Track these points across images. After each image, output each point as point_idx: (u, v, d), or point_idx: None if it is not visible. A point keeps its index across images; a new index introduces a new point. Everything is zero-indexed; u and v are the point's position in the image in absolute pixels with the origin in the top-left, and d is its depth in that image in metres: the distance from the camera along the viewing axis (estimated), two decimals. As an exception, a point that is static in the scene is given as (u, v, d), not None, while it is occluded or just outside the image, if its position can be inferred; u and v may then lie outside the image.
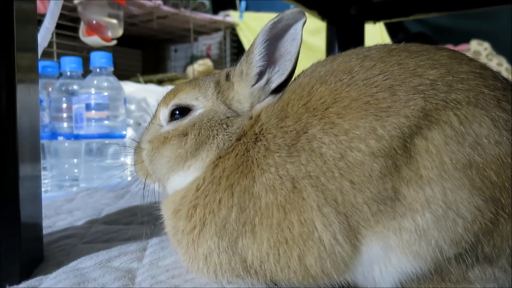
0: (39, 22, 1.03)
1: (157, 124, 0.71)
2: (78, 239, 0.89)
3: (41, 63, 1.72)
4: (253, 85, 0.66)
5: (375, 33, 3.98)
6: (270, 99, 0.66)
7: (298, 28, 0.64)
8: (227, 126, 0.66)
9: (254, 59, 0.65)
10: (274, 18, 0.62)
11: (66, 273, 0.69)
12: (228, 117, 0.66)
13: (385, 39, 4.05)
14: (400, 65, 0.57)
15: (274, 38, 0.64)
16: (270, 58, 0.66)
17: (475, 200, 0.51)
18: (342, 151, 0.54)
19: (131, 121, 2.28)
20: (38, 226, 0.75)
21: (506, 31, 3.57)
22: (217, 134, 0.65)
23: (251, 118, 0.65)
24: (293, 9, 0.62)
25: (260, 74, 0.66)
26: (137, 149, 0.74)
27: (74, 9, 1.81)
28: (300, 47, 0.64)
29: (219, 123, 0.66)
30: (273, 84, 0.66)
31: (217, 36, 4.40)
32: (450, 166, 0.51)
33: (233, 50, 4.34)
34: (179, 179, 0.68)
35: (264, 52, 0.64)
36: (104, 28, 1.77)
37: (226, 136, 0.65)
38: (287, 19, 0.63)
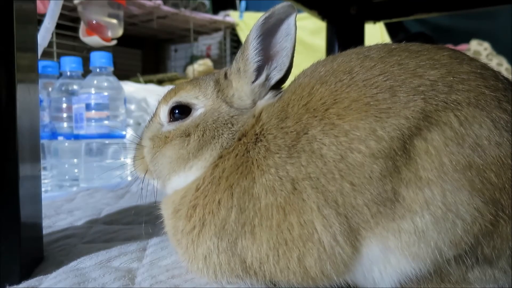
0: (39, 22, 1.03)
1: (158, 122, 0.71)
2: (78, 239, 0.89)
3: (41, 63, 1.72)
4: (253, 82, 0.66)
5: (375, 33, 3.98)
6: (271, 96, 0.67)
7: (291, 23, 0.64)
8: (232, 125, 0.66)
9: (250, 55, 0.65)
10: (265, 13, 0.62)
11: (66, 273, 0.69)
12: (232, 116, 0.66)
13: (385, 39, 4.05)
14: (401, 65, 0.57)
15: (268, 33, 0.64)
16: (267, 54, 0.66)
17: (475, 202, 0.51)
18: (342, 152, 0.54)
19: (131, 121, 2.28)
20: (38, 226, 0.75)
21: (506, 31, 3.56)
22: (222, 134, 0.65)
23: (254, 116, 0.65)
24: (284, 3, 0.62)
25: (259, 71, 0.66)
26: (138, 146, 0.74)
27: (74, 9, 1.81)
28: (295, 41, 0.65)
29: (224, 123, 0.66)
30: (273, 80, 0.67)
31: (217, 36, 4.40)
32: (450, 167, 0.51)
33: (233, 50, 4.34)
34: (180, 179, 0.68)
35: (259, 47, 0.64)
36: (104, 28, 1.76)
37: (230, 135, 0.65)
38: (278, 13, 0.63)
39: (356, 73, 0.58)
